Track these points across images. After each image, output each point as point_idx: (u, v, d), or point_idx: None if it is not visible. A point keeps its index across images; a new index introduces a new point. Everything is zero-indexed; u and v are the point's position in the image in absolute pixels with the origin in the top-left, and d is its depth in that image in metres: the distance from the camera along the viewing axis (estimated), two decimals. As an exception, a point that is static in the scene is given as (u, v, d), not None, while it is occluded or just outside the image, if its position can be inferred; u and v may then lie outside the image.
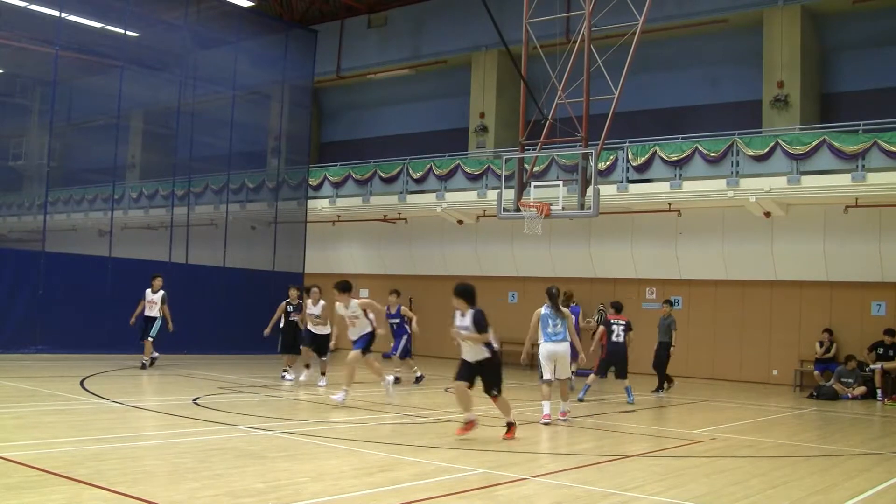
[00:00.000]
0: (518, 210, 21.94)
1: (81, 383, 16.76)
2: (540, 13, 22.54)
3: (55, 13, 25.33)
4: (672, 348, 21.07)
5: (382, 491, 8.29)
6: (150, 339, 21.22)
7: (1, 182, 33.73)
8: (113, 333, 24.66)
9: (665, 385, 21.35)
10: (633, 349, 19.14)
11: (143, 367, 20.92)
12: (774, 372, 24.98)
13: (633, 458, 10.99)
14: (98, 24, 27.56)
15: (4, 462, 8.63)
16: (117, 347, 24.36)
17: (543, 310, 14.34)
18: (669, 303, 21.83)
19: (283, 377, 19.93)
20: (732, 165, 23.71)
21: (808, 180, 22.70)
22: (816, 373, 22.89)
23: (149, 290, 21.47)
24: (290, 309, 20.45)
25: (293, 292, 20.74)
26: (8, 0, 24.81)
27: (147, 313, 21.31)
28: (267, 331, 20.45)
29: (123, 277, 25.61)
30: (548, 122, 22.28)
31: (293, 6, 35.98)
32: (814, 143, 22.53)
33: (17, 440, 10.19)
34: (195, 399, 15.14)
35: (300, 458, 10.15)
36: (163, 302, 21.33)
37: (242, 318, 27.65)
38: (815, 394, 21.76)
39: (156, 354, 21.57)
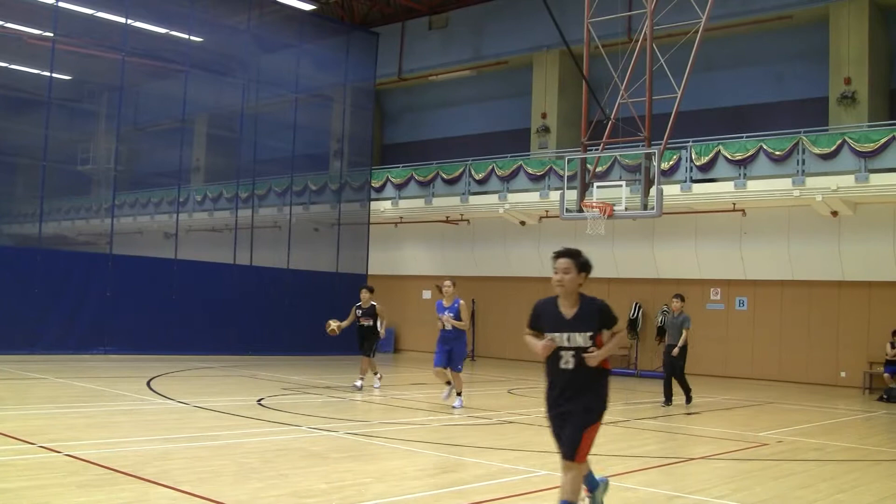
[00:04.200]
0: (581, 210, 21.92)
1: (148, 384, 16.99)
2: (601, 12, 22.44)
3: (121, 20, 25.74)
4: (677, 350, 17.81)
5: (446, 492, 8.29)
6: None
7: (70, 186, 34.29)
8: (178, 335, 25.02)
9: (664, 398, 17.98)
10: None
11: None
12: (842, 374, 24.55)
13: (698, 461, 10.88)
14: (163, 30, 27.95)
15: (75, 460, 8.77)
16: (183, 348, 24.71)
17: None
18: (681, 297, 18.55)
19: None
20: (798, 164, 23.36)
21: (876, 178, 22.28)
22: (886, 375, 22.40)
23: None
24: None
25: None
26: (75, 8, 25.24)
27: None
28: None
29: (189, 279, 25.98)
30: (610, 122, 22.17)
31: (354, 9, 36.15)
32: (883, 140, 22.12)
33: (87, 439, 10.35)
34: (259, 400, 15.28)
35: (364, 458, 10.19)
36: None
37: (306, 320, 27.86)
38: (885, 396, 21.36)
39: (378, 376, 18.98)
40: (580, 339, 6.47)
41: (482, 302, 31.33)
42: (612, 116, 22.18)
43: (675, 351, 17.75)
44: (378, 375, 18.84)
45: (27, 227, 29.94)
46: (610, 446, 11.82)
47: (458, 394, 15.74)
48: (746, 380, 25.32)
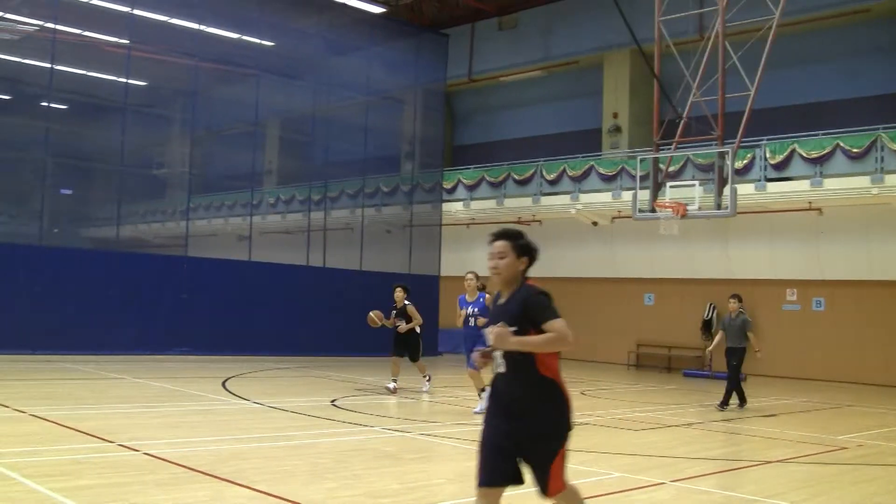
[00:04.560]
0: (654, 211, 21.76)
1: (223, 384, 17.19)
2: (672, 10, 22.24)
3: (194, 26, 26.11)
4: (757, 352, 17.34)
5: (519, 493, 8.24)
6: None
7: (145, 190, 34.89)
8: (253, 335, 25.28)
9: (738, 400, 17.31)
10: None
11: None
12: (924, 376, 24.01)
13: (774, 464, 10.70)
14: (235, 35, 28.29)
15: (153, 459, 8.91)
16: (257, 349, 24.96)
17: None
18: (738, 298, 17.74)
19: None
20: (877, 161, 22.90)
21: (960, 175, 21.79)
22: (970, 377, 21.86)
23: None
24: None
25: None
26: (150, 15, 25.67)
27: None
28: None
29: (262, 281, 26.24)
30: (682, 121, 21.97)
31: (424, 11, 36.24)
32: (966, 137, 21.63)
33: (164, 438, 10.50)
34: (333, 401, 15.37)
35: (437, 459, 10.21)
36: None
37: (379, 321, 27.94)
38: (968, 398, 20.85)
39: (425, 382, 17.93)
40: None
41: (554, 302, 31.13)
42: (684, 115, 21.97)
43: (760, 354, 17.21)
44: (395, 381, 17.33)
45: (105, 230, 30.52)
46: (685, 448, 11.70)
47: (482, 390, 14.15)
48: (824, 382, 24.88)
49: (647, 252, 28.30)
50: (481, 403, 13.84)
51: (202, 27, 26.29)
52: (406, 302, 17.59)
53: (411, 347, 17.53)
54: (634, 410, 16.34)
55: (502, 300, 5.43)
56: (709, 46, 21.68)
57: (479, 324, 14.04)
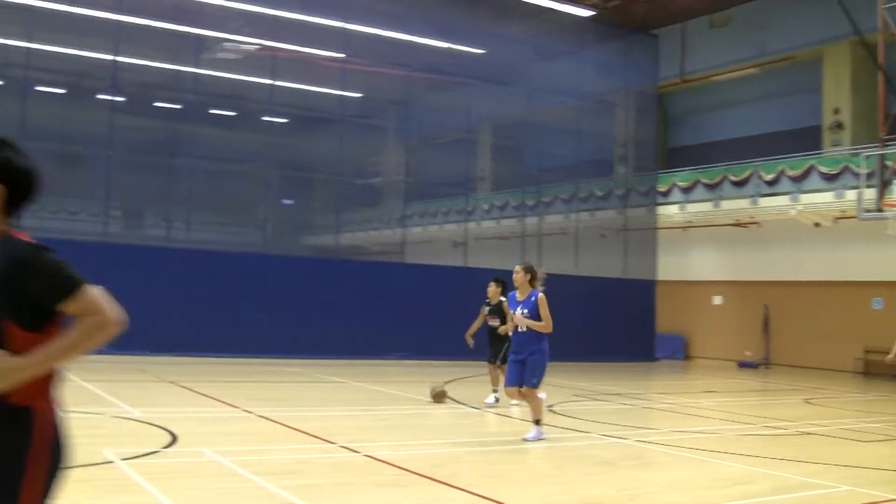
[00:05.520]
0: (880, 210, 20.79)
1: (440, 389, 17.43)
2: (898, -2, 21.19)
3: (406, 37, 26.72)
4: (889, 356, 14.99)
5: (739, 504, 8.03)
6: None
7: (362, 198, 35.88)
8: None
9: None
10: None
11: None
12: None
13: None
14: (445, 45, 28.73)
15: (373, 461, 9.13)
16: (474, 354, 25.17)
17: None
18: None
19: None
20: None
21: None
22: None
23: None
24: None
25: None
26: (363, 29, 26.43)
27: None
28: None
29: (478, 286, 26.48)
30: (911, 115, 20.92)
31: (632, 13, 35.77)
32: None
33: (383, 440, 10.74)
34: (550, 406, 15.34)
35: (654, 466, 10.04)
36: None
37: (594, 326, 27.75)
38: None
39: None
40: None
41: (774, 307, 30.22)
42: (913, 108, 20.93)
43: (890, 357, 15.58)
44: (495, 392, 15.38)
45: (324, 238, 31.60)
46: (919, 460, 11.10)
47: (536, 421, 11.37)
48: None
49: (873, 253, 27.00)
50: (534, 431, 11.25)
51: (413, 38, 26.87)
52: (502, 298, 15.37)
53: (495, 348, 15.51)
54: (863, 420, 15.61)
55: None
56: (939, 34, 20.56)
57: (521, 328, 11.88)
